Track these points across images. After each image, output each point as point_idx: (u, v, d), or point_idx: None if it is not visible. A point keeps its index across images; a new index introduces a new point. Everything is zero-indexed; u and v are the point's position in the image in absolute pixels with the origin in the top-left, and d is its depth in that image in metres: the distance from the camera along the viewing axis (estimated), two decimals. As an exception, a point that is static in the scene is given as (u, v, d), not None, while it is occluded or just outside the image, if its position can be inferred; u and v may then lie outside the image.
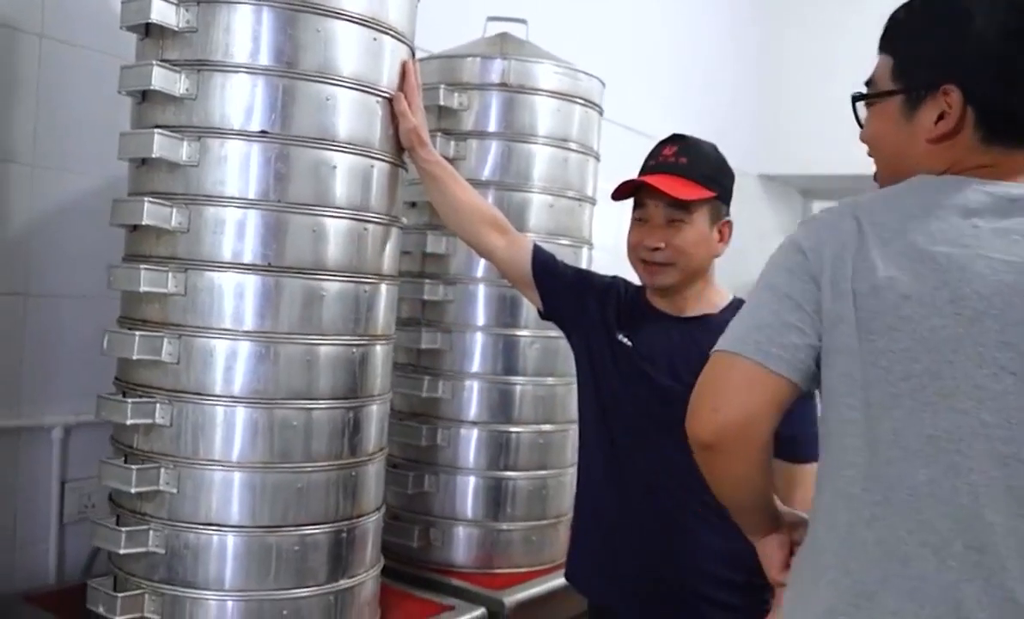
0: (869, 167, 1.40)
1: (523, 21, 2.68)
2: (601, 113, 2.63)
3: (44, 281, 2.15)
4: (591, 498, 2.01)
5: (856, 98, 1.38)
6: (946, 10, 1.27)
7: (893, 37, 1.34)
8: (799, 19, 5.48)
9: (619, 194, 1.92)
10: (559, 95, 2.47)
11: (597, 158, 2.62)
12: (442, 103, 2.39)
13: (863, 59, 1.45)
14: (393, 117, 1.91)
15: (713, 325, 1.88)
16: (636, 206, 1.92)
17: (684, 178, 1.85)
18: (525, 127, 2.44)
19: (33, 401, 2.14)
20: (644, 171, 1.91)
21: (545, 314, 2.08)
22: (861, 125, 1.38)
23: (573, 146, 2.51)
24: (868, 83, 1.37)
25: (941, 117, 1.25)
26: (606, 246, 2.65)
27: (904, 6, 1.34)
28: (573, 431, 2.57)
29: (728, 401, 1.24)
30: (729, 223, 1.92)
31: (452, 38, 2.62)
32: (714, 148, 1.93)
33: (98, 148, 2.22)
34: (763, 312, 1.25)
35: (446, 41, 2.60)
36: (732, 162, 1.95)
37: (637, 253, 1.91)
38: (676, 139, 1.92)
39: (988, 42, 1.22)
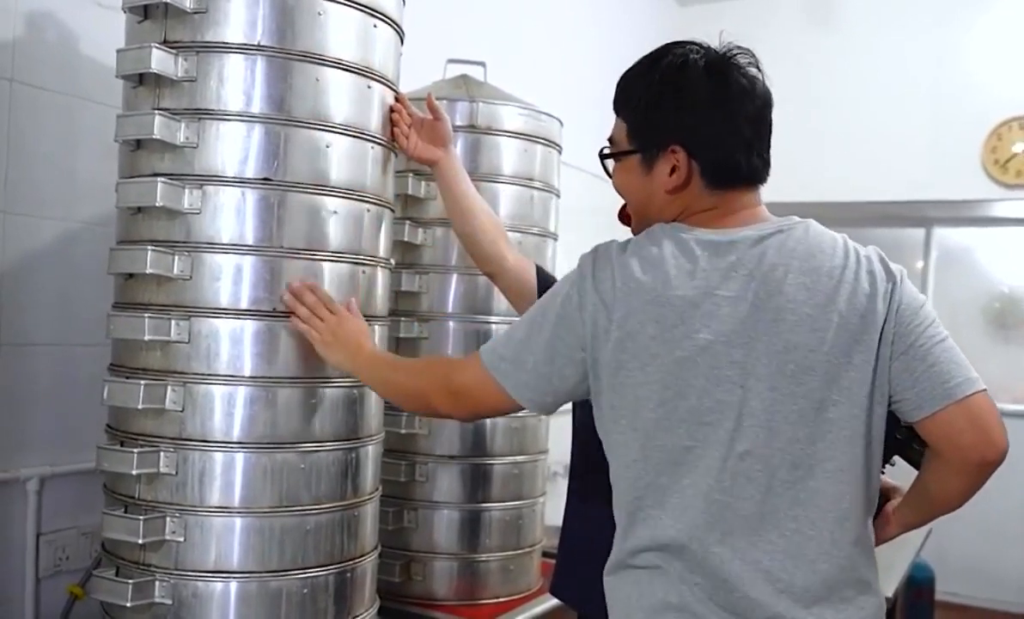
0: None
1: (482, 64, 2.75)
2: (560, 151, 2.72)
3: (14, 329, 2.09)
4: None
5: (602, 155, 1.58)
6: (666, 86, 1.47)
7: (624, 104, 1.54)
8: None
9: None
10: (523, 136, 2.55)
11: (558, 195, 2.70)
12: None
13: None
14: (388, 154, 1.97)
15: None
16: None
17: None
18: (492, 167, 2.51)
19: (6, 453, 2.07)
20: None
21: None
22: (610, 176, 1.58)
23: (537, 184, 2.59)
24: (610, 141, 1.57)
25: (673, 171, 1.47)
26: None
27: (629, 76, 1.53)
28: (543, 461, 2.65)
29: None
30: None
31: (409, 80, 2.66)
32: None
33: (65, 192, 2.20)
34: None
35: (404, 83, 2.64)
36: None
37: None
38: None
39: (701, 110, 1.45)
